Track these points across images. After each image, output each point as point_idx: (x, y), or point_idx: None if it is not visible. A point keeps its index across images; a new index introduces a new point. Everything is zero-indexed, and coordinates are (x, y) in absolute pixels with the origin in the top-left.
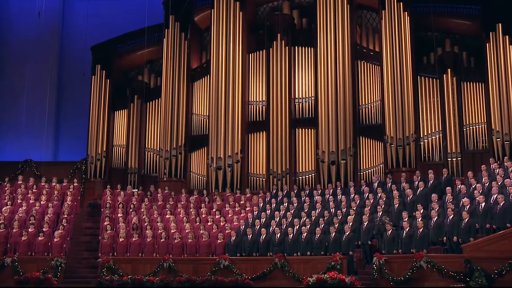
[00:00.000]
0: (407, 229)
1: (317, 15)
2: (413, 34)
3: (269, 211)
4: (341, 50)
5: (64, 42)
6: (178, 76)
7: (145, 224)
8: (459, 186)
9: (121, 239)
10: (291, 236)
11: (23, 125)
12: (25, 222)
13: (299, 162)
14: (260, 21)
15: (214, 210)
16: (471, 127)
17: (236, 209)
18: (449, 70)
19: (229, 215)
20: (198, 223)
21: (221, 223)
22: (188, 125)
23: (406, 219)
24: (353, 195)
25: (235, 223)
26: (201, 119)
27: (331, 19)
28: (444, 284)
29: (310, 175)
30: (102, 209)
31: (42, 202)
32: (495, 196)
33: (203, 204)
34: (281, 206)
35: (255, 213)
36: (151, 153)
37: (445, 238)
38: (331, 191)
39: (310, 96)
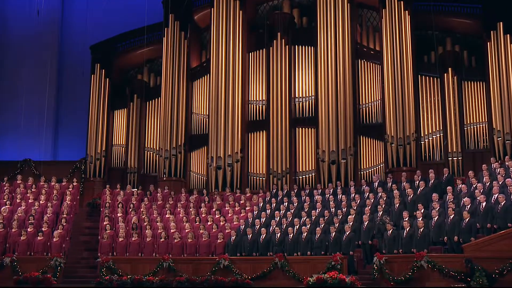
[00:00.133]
0: (407, 229)
1: (317, 14)
2: (414, 33)
3: (269, 210)
4: (341, 49)
5: (63, 41)
6: (177, 75)
7: (145, 223)
8: (459, 186)
9: (120, 239)
10: (291, 235)
11: (22, 124)
12: (24, 221)
13: (299, 162)
14: (260, 20)
15: (214, 209)
16: (472, 126)
17: (236, 208)
18: (449, 69)
19: (229, 215)
20: (198, 223)
21: (221, 223)
22: (187, 125)
23: (406, 219)
24: (353, 195)
25: (235, 223)
26: (201, 118)
27: (331, 18)
28: (444, 284)
29: (310, 175)
30: (101, 209)
31: (41, 202)
32: (496, 195)
33: (203, 204)
34: (281, 206)
35: (255, 212)
36: (151, 152)
37: (445, 237)
38: (331, 190)
39: (310, 95)
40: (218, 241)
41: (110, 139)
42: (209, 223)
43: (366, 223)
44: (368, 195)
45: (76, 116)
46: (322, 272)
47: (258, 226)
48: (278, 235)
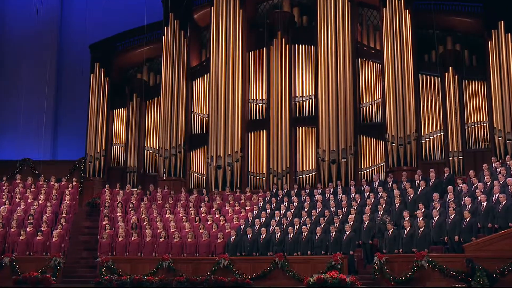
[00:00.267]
0: (408, 229)
1: (317, 12)
2: (414, 32)
3: (269, 210)
4: (341, 48)
5: (63, 40)
6: (177, 74)
7: (144, 223)
8: (460, 185)
9: (120, 239)
10: (291, 235)
11: (21, 123)
12: (23, 221)
13: (300, 161)
14: (260, 18)
15: (213, 209)
16: (472, 126)
17: (236, 208)
18: (450, 68)
19: (229, 214)
20: (197, 223)
21: (221, 223)
22: (187, 124)
23: (407, 218)
24: (353, 194)
25: (235, 223)
26: (200, 118)
27: (332, 17)
28: (445, 284)
29: (310, 174)
30: (101, 208)
31: (40, 201)
32: (497, 195)
33: (202, 203)
34: (281, 205)
35: (255, 212)
36: (151, 152)
37: (446, 237)
38: (331, 190)
39: (310, 94)
40: (218, 240)
41: (109, 138)
42: (209, 222)
43: (366, 223)
44: (369, 194)
45: (75, 115)
46: (323, 272)
47: (258, 226)
48: (278, 234)
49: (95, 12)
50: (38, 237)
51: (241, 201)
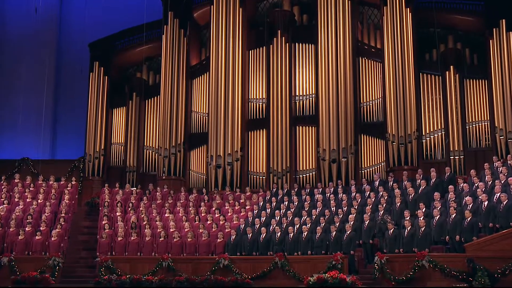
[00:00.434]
0: (409, 228)
1: (317, 11)
2: (415, 31)
3: (269, 209)
4: (342, 47)
5: (62, 39)
6: (177, 73)
7: (144, 223)
8: (461, 185)
9: (119, 238)
10: (291, 235)
11: (20, 122)
12: (22, 221)
13: (300, 160)
14: (260, 17)
15: (213, 209)
16: (474, 125)
17: (236, 207)
18: (451, 67)
19: (229, 214)
20: (197, 222)
21: (221, 222)
22: (187, 123)
23: (408, 218)
24: (354, 194)
25: (234, 222)
26: (200, 117)
27: (332, 16)
28: (446, 283)
29: (310, 174)
30: (100, 208)
31: (39, 201)
32: (498, 194)
33: (202, 203)
34: (282, 205)
35: (255, 211)
36: (150, 151)
37: (447, 237)
38: (332, 189)
39: (310, 93)
40: (218, 240)
41: (109, 137)
42: (208, 222)
43: (367, 222)
44: (369, 194)
45: (74, 114)
46: (323, 271)
47: (258, 226)
48: (278, 234)
49: (94, 10)
50: (37, 237)
51: (241, 201)
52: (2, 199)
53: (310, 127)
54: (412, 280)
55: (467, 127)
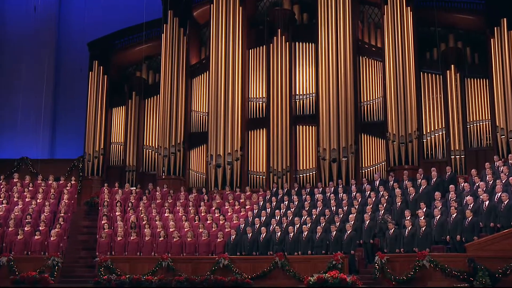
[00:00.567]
0: (409, 228)
1: (318, 10)
2: (416, 30)
3: (269, 209)
4: (342, 46)
5: (61, 38)
6: (176, 72)
7: (143, 222)
8: (462, 184)
9: (119, 238)
10: (291, 234)
11: (19, 122)
12: (21, 220)
13: (300, 160)
14: (260, 16)
15: (213, 208)
16: (475, 124)
17: (236, 207)
18: (452, 66)
19: (229, 214)
20: (197, 222)
21: (221, 222)
22: (187, 122)
23: (408, 218)
24: (354, 193)
25: (234, 222)
26: (200, 116)
27: (333, 14)
28: (447, 283)
29: (311, 173)
30: (99, 208)
31: (38, 201)
32: (499, 194)
33: (202, 203)
34: (282, 205)
35: (255, 211)
36: (150, 150)
37: (448, 237)
38: (332, 189)
39: (311, 92)
40: (218, 240)
41: (108, 137)
42: (208, 222)
43: (367, 222)
44: (370, 193)
45: (73, 114)
46: (323, 271)
47: (258, 225)
48: (279, 234)
49: (93, 9)
50: (36, 237)
51: (241, 200)
52: (1, 199)
53: (310, 126)
54: (413, 280)
55: (468, 126)
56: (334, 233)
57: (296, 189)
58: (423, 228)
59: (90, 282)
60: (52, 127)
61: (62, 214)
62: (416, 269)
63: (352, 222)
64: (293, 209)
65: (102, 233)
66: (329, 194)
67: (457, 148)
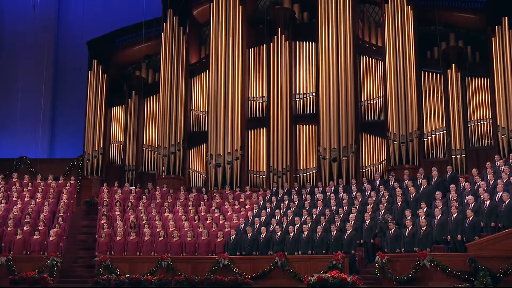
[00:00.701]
0: (410, 228)
1: (318, 9)
2: (417, 28)
3: (269, 209)
4: (343, 45)
5: (60, 37)
6: (176, 71)
7: (143, 222)
8: (463, 184)
9: (118, 238)
10: (291, 234)
11: (18, 121)
12: (20, 220)
13: (300, 159)
14: (260, 15)
15: (213, 208)
16: (476, 123)
17: (236, 207)
18: (453, 65)
19: (229, 213)
20: (197, 221)
21: (221, 221)
22: (186, 122)
23: (409, 217)
24: (355, 193)
25: (234, 221)
26: (200, 115)
27: (333, 13)
28: (448, 283)
29: (311, 172)
30: (99, 207)
31: (37, 200)
32: (500, 194)
33: (202, 202)
34: (282, 204)
35: (255, 211)
36: (149, 150)
37: (449, 236)
38: (332, 188)
39: (311, 91)
40: (218, 240)
41: (107, 136)
42: (208, 221)
43: (368, 222)
44: (370, 193)
45: (73, 113)
46: (323, 271)
47: (258, 225)
48: (279, 234)
49: (93, 8)
50: (35, 236)
51: (241, 200)
52: (0, 199)
53: (310, 126)
54: (413, 280)
55: (469, 125)
56: (335, 232)
57: (296, 189)
58: (424, 228)
59: (90, 282)
60: (51, 126)
61: (61, 214)
62: (416, 269)
63: (352, 222)
64: (293, 209)
65: (102, 233)
66: (329, 193)
67: (458, 148)
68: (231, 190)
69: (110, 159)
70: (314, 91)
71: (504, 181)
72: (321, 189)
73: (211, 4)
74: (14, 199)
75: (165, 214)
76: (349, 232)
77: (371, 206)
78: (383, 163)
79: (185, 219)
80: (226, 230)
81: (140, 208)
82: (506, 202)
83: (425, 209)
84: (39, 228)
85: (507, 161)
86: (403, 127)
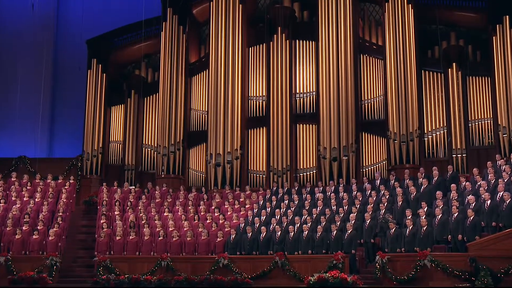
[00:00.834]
0: (410, 227)
1: (318, 7)
2: (417, 27)
3: (269, 208)
4: (343, 44)
5: (59, 36)
6: (176, 70)
7: (143, 222)
8: (464, 183)
9: (117, 238)
10: (291, 234)
11: (17, 120)
12: (19, 220)
13: (300, 159)
14: (260, 14)
15: (213, 207)
16: (476, 123)
17: (236, 206)
18: (454, 64)
19: (228, 213)
20: (196, 221)
21: (220, 221)
22: (186, 121)
23: (409, 217)
24: (355, 193)
25: (234, 221)
26: (199, 115)
27: (333, 12)
28: (448, 283)
29: (311, 172)
30: (98, 207)
31: (36, 200)
32: (501, 193)
33: (201, 202)
34: (282, 204)
35: (255, 210)
36: (149, 149)
37: (449, 236)
38: (332, 188)
39: (311, 90)
40: (218, 239)
41: (107, 135)
42: (208, 221)
43: (368, 221)
44: (370, 192)
45: (72, 112)
46: (324, 271)
47: (258, 225)
48: (279, 233)
49: (92, 7)
50: (34, 236)
51: (241, 200)
52: None
53: (310, 125)
54: (414, 280)
55: (470, 125)
56: (335, 232)
57: (296, 188)
58: (424, 228)
59: (89, 282)
60: (50, 125)
61: (60, 214)
62: (417, 268)
63: (352, 222)
64: (293, 208)
65: (101, 233)
66: (329, 193)
67: (458, 147)
68: (231, 190)
69: (110, 159)
70: (314, 90)
71: (505, 180)
72: (321, 188)
73: (211, 3)
74: (13, 198)
75: (165, 214)
76: (349, 231)
77: (372, 205)
78: (384, 162)
79: (185, 218)
80: (226, 229)
81: (139, 207)
82: (507, 201)
83: (425, 209)
84: (38, 227)
85: (508, 160)
86: (404, 126)
